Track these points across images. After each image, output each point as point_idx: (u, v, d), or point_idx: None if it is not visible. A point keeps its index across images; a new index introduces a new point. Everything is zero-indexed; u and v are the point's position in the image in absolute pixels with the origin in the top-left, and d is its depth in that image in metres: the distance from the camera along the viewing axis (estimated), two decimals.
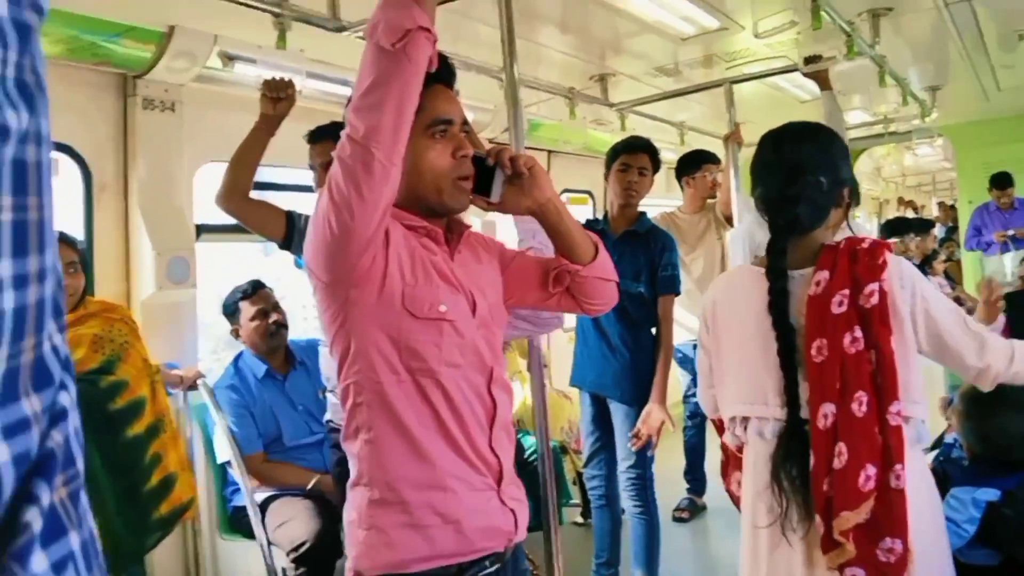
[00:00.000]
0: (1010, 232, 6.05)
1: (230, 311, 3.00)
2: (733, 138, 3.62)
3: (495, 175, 1.38)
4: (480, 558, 1.33)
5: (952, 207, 10.98)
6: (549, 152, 5.12)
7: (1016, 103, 5.90)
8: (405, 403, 1.30)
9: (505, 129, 3.79)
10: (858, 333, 1.43)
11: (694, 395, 4.12)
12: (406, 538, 1.29)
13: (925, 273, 5.71)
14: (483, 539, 1.34)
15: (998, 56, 4.42)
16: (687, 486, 4.22)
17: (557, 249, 1.49)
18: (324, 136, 2.32)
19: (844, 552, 1.39)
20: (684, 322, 3.94)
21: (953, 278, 6.75)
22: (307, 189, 3.64)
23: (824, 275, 1.49)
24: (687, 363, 3.99)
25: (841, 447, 1.41)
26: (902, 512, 1.39)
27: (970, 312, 5.01)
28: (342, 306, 1.31)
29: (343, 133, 1.21)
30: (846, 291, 1.45)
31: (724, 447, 1.73)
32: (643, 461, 2.89)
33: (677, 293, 3.02)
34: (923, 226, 6.30)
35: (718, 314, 1.65)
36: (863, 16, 3.44)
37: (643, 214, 3.08)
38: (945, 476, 1.82)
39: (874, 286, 1.44)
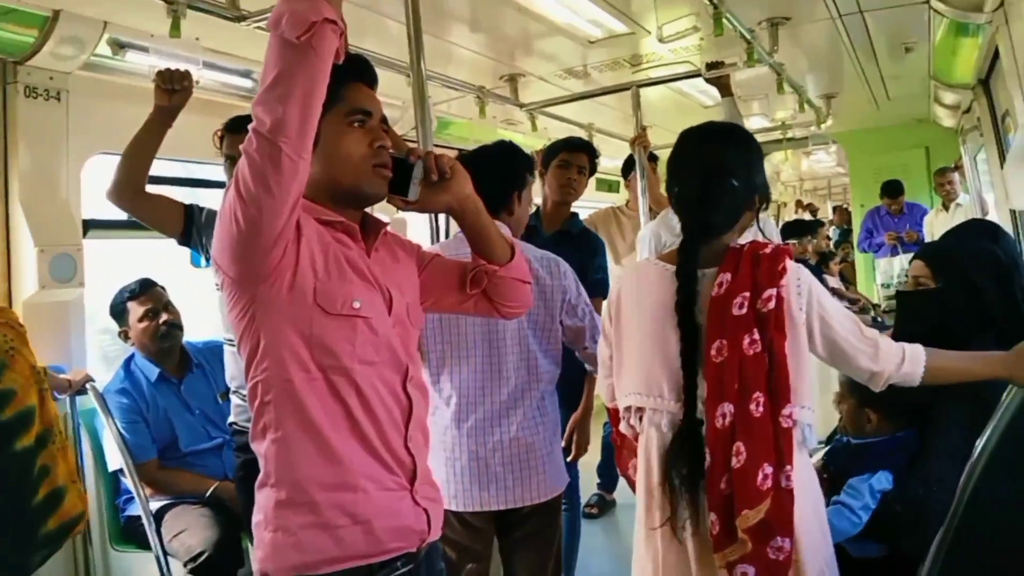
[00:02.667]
0: (900, 235, 6.37)
1: (117, 312, 2.86)
2: (639, 141, 3.68)
3: (412, 174, 1.37)
4: (392, 559, 1.32)
5: (846, 210, 11.51)
6: (459, 151, 5.09)
7: (904, 112, 6.23)
8: (316, 401, 1.27)
9: (414, 127, 3.75)
10: (756, 335, 1.46)
11: None
12: (314, 539, 1.27)
13: (822, 273, 5.99)
14: (394, 539, 1.32)
15: (887, 67, 4.63)
16: (598, 481, 4.27)
17: (474, 248, 1.50)
18: (244, 127, 2.21)
19: (741, 548, 1.42)
20: None
21: (848, 278, 7.07)
22: (205, 184, 3.53)
23: (727, 277, 1.52)
24: None
25: (739, 446, 1.44)
26: (791, 511, 1.43)
27: (863, 311, 5.23)
28: (250, 302, 1.27)
29: (250, 127, 1.18)
30: (746, 294, 1.48)
31: (620, 435, 1.76)
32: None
33: (605, 296, 3.05)
34: (814, 227, 6.58)
35: (622, 306, 1.67)
36: (763, 25, 3.55)
37: (575, 215, 3.12)
38: (837, 474, 1.88)
39: (772, 291, 1.48)
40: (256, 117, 1.16)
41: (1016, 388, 1.54)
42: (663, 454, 1.55)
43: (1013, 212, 4.18)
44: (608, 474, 4.26)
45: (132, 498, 2.63)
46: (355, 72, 1.34)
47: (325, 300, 1.28)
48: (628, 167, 4.26)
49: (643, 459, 1.60)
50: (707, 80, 3.45)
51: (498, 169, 2.09)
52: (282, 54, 1.15)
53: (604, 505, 4.24)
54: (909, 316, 1.93)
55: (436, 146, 3.18)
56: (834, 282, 6.30)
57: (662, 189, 4.01)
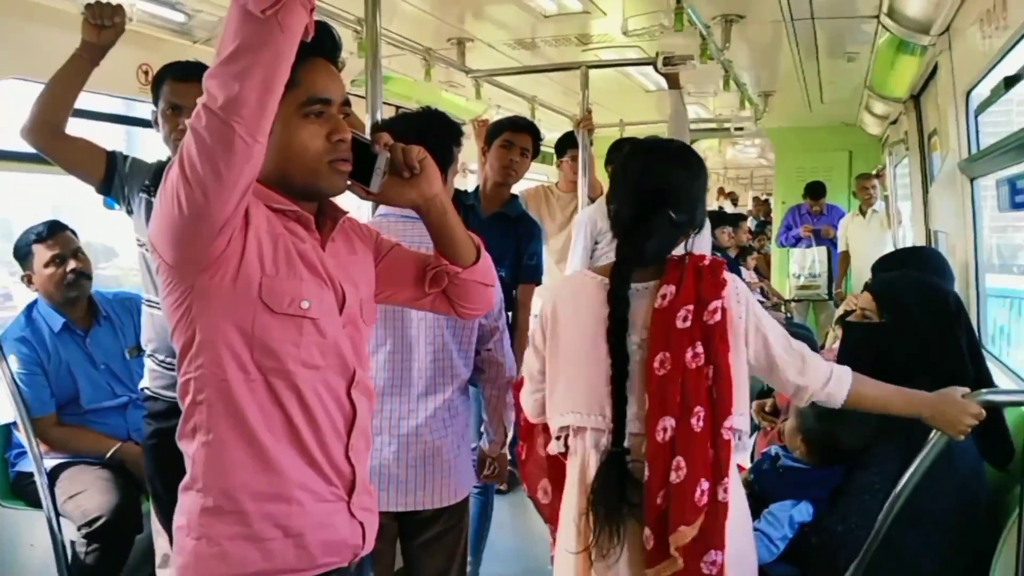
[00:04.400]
0: (816, 228, 6.58)
1: (22, 254, 2.64)
2: (584, 124, 3.64)
3: (376, 162, 1.26)
4: (322, 574, 1.25)
5: (765, 201, 11.85)
6: (396, 108, 4.94)
7: (834, 115, 6.41)
8: (253, 405, 1.18)
9: (353, 80, 3.59)
10: (699, 348, 1.46)
11: None
12: (241, 551, 1.19)
13: (739, 265, 6.13)
14: (326, 554, 1.25)
15: (827, 72, 4.73)
16: (509, 458, 4.27)
17: (438, 248, 1.40)
18: (193, 75, 1.99)
19: (673, 565, 1.42)
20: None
21: (762, 272, 7.27)
22: (129, 121, 3.28)
23: (670, 289, 1.50)
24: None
25: (679, 461, 1.43)
26: (724, 525, 1.44)
27: (775, 307, 5.37)
28: (188, 291, 1.16)
29: (199, 101, 1.05)
30: (691, 306, 1.47)
31: (530, 450, 1.73)
32: None
33: (539, 282, 3.03)
34: (736, 219, 6.72)
35: (559, 319, 1.62)
36: (717, 20, 3.55)
37: (515, 197, 3.05)
38: (761, 492, 1.92)
39: (717, 303, 1.47)
40: (208, 92, 1.04)
41: (938, 435, 1.59)
42: (591, 481, 1.53)
43: (928, 229, 4.35)
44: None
45: (24, 452, 2.47)
46: (315, 45, 1.17)
47: (271, 297, 1.18)
48: (562, 146, 4.17)
49: (577, 484, 1.57)
50: (659, 72, 3.42)
51: (428, 144, 1.92)
52: (244, 27, 1.02)
53: (514, 482, 4.25)
54: (852, 346, 1.96)
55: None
56: (748, 276, 6.48)
57: (599, 174, 4.01)
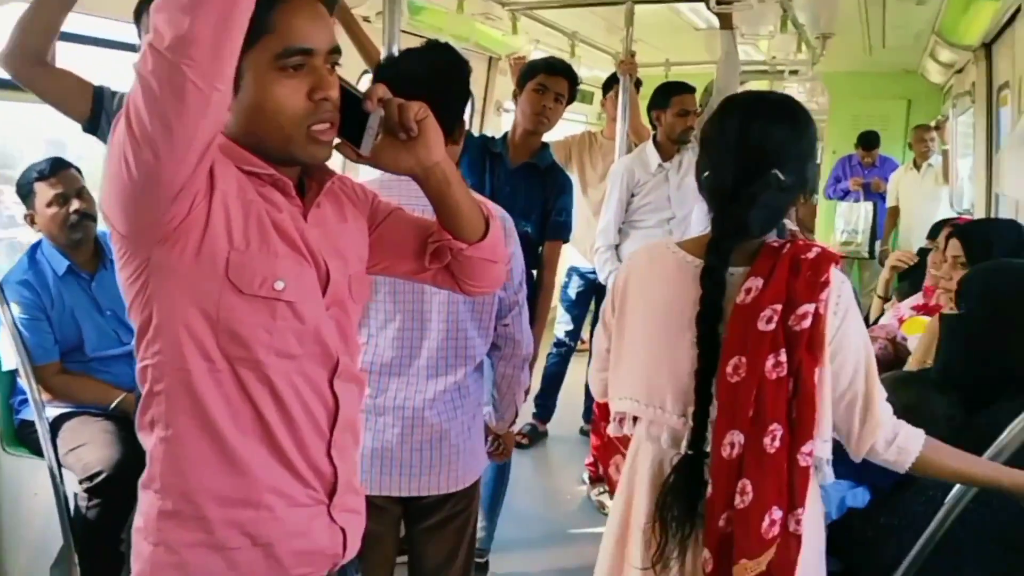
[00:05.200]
0: (867, 181, 6.26)
1: (24, 192, 2.49)
2: (626, 68, 3.39)
3: (368, 121, 1.08)
4: None
5: None
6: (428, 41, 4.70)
7: (894, 61, 6.01)
8: (218, 398, 1.04)
9: (379, 12, 3.36)
10: (783, 356, 1.25)
11: (564, 322, 4.04)
12: (202, 560, 1.06)
13: (784, 217, 5.85)
14: (300, 564, 1.12)
15: (893, 15, 4.38)
16: (534, 410, 4.16)
17: (441, 222, 1.22)
18: None
19: None
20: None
21: (807, 224, 6.96)
22: (124, 47, 3.04)
23: (757, 283, 1.28)
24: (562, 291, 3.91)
25: (745, 484, 1.24)
26: (795, 560, 1.26)
27: None
28: (143, 265, 1.01)
29: (144, 40, 0.88)
30: (778, 306, 1.26)
31: (602, 433, 1.58)
32: None
33: (566, 240, 2.85)
34: None
35: (629, 295, 1.43)
36: None
37: (546, 146, 2.81)
38: None
39: (809, 307, 1.25)
40: (154, 28, 0.86)
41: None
42: (655, 481, 1.36)
43: (989, 190, 4.06)
44: (545, 404, 4.14)
45: (27, 399, 2.38)
46: None
47: (239, 275, 1.01)
48: (610, 84, 4.00)
49: (629, 473, 1.42)
50: (712, 11, 3.14)
51: (442, 84, 1.62)
52: None
53: (536, 436, 4.16)
54: (952, 343, 1.75)
55: (403, 32, 2.84)
56: (791, 226, 6.20)
57: (644, 119, 3.76)
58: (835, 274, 1.28)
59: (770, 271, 1.28)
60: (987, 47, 4.16)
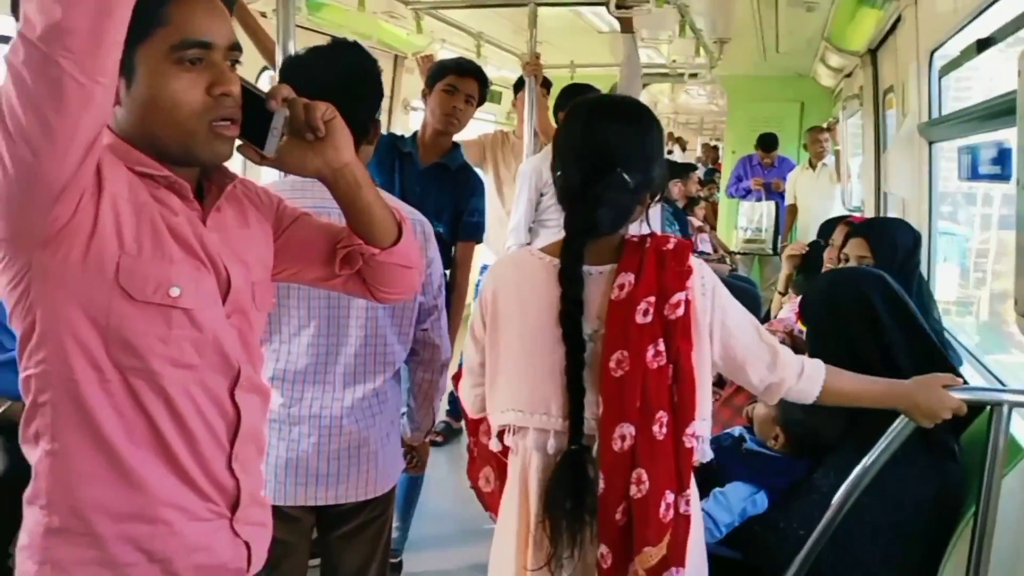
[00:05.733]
0: (767, 181, 6.51)
1: None
2: (531, 70, 3.42)
3: (272, 121, 1.04)
4: None
5: (715, 147, 11.78)
6: (332, 37, 4.61)
7: (788, 65, 6.27)
8: (108, 410, 0.99)
9: (275, 8, 3.28)
10: (661, 346, 1.29)
11: None
12: None
13: (687, 215, 6.03)
14: None
15: (785, 21, 4.56)
16: (447, 408, 4.14)
17: (351, 226, 1.18)
18: None
19: None
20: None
21: (709, 222, 7.20)
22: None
23: (629, 278, 1.32)
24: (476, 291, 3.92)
25: (640, 473, 1.27)
26: (686, 539, 1.31)
27: (721, 260, 5.31)
28: (25, 269, 0.95)
29: (16, 29, 0.83)
30: (652, 298, 1.30)
31: (477, 445, 1.57)
32: None
33: (479, 240, 2.83)
34: (685, 170, 6.58)
35: (499, 306, 1.42)
36: None
37: (457, 146, 2.79)
38: (717, 469, 1.80)
39: (681, 296, 1.30)
40: (24, 16, 0.80)
41: (903, 421, 1.47)
42: (545, 483, 1.36)
43: (878, 187, 4.28)
44: (457, 402, 4.13)
45: None
46: None
47: (130, 281, 0.97)
48: (520, 83, 4.02)
49: (518, 484, 1.41)
50: (612, 14, 3.20)
51: (353, 84, 1.58)
52: None
53: (450, 433, 4.14)
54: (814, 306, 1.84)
55: (301, 28, 2.76)
56: (698, 223, 6.40)
57: (551, 119, 3.80)
58: (694, 260, 1.34)
59: (639, 266, 1.32)
60: (872, 53, 4.38)
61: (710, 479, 1.73)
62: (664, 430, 1.28)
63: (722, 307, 1.36)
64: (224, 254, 1.08)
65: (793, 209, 6.27)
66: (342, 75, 1.56)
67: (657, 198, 1.42)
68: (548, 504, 1.34)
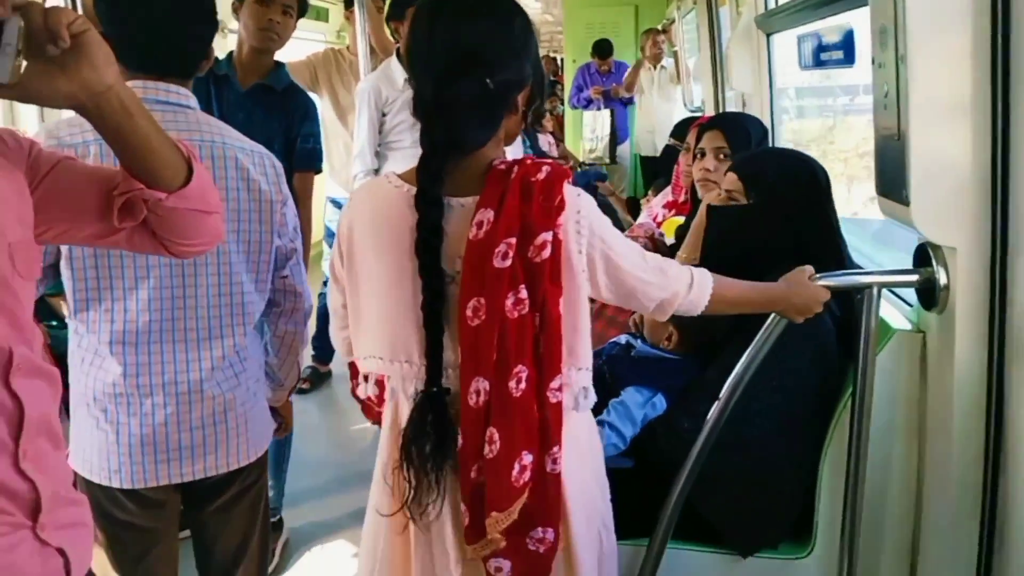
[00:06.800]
0: (606, 89, 6.53)
1: None
2: None
3: (4, 36, 0.81)
4: None
5: (554, 59, 11.70)
6: None
7: None
8: None
9: None
10: (523, 293, 1.15)
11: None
12: None
13: (537, 132, 5.95)
14: None
15: None
16: (312, 352, 3.93)
17: (126, 166, 0.98)
18: None
19: (491, 545, 1.20)
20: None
21: (556, 136, 7.17)
22: None
23: (488, 215, 1.15)
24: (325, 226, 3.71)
25: (493, 432, 1.17)
26: (556, 499, 1.22)
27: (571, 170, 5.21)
28: None
29: None
30: (512, 240, 1.15)
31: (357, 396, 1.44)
32: None
33: (319, 170, 2.59)
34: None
35: (355, 241, 1.26)
36: None
37: (281, 65, 2.51)
38: (612, 378, 1.74)
39: (547, 236, 1.15)
40: None
41: (775, 320, 1.46)
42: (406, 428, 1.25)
43: (717, 84, 4.33)
44: (323, 344, 3.90)
45: None
46: None
47: None
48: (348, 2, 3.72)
49: (389, 430, 1.30)
50: None
51: (182, 8, 1.38)
52: None
53: (318, 378, 3.96)
54: (720, 234, 1.75)
55: None
56: (546, 139, 6.34)
57: (387, 32, 3.54)
58: (568, 191, 1.18)
59: (500, 200, 1.16)
60: None
61: (605, 392, 1.67)
62: (523, 386, 1.16)
63: (603, 240, 1.22)
64: None
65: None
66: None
67: (535, 104, 1.26)
68: (402, 447, 1.23)
